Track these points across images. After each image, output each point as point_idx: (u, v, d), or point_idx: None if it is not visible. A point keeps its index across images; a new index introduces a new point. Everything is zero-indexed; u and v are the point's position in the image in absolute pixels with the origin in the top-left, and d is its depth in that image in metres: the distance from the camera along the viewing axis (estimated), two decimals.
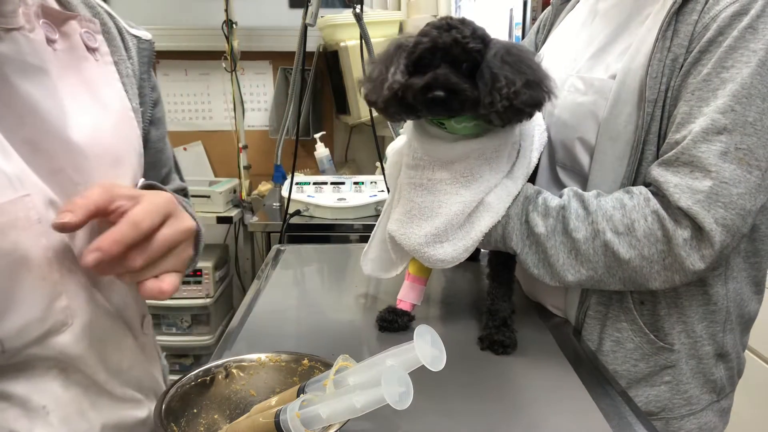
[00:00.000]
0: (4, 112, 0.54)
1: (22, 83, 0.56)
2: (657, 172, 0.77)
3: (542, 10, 1.94)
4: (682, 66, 0.78)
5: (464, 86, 0.73)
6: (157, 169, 0.82)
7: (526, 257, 0.83)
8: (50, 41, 0.61)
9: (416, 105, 0.76)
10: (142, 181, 0.69)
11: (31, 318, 0.56)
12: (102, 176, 0.62)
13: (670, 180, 0.75)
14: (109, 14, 0.72)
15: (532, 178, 0.91)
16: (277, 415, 0.58)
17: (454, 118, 0.79)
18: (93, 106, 0.64)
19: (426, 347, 0.55)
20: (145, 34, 0.77)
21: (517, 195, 0.83)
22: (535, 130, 0.89)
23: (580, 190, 0.83)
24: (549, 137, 0.94)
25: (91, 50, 0.66)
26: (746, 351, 0.96)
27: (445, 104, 0.74)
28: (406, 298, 0.95)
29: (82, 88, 0.63)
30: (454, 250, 0.82)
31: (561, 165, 0.93)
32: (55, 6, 0.64)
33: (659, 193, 0.77)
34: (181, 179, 0.89)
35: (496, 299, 0.90)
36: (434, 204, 0.82)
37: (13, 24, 0.56)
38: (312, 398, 0.58)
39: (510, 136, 0.83)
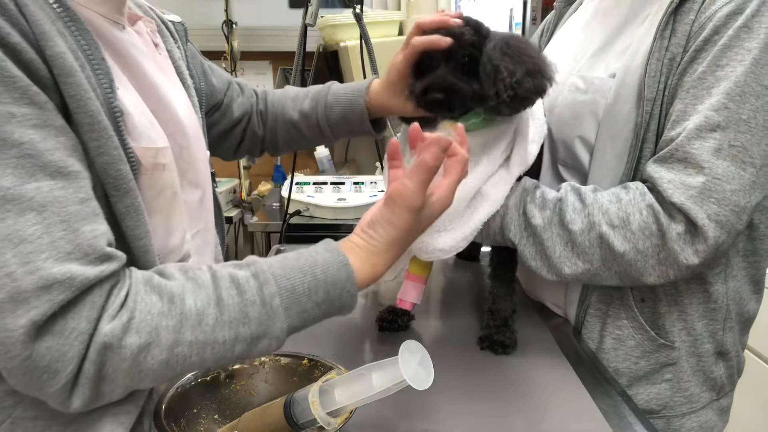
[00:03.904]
0: (138, 86, 0.65)
1: (144, 62, 0.67)
2: (652, 168, 0.78)
3: (542, 11, 1.94)
4: (679, 65, 0.79)
5: (461, 85, 0.75)
6: (225, 88, 1.01)
7: (524, 249, 0.83)
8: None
9: (423, 107, 0.78)
10: None
11: (177, 243, 0.68)
12: (194, 144, 0.74)
13: (664, 176, 0.76)
14: (151, 8, 0.82)
15: (536, 175, 0.91)
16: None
17: (460, 118, 0.79)
18: (173, 87, 0.75)
19: (412, 364, 0.55)
20: (177, 18, 0.88)
21: (516, 186, 0.84)
22: (532, 123, 0.88)
23: (577, 185, 0.83)
24: (551, 136, 0.94)
25: (155, 45, 0.76)
26: (746, 351, 0.96)
27: (446, 104, 0.76)
28: (406, 297, 0.94)
29: (161, 72, 0.74)
30: (452, 238, 0.82)
31: (562, 163, 0.94)
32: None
33: (654, 188, 0.77)
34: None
35: (497, 299, 0.89)
36: None
37: (124, 23, 0.68)
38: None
39: (508, 126, 0.83)
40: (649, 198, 0.76)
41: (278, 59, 2.48)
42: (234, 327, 0.54)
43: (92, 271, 0.48)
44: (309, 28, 1.89)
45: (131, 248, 0.56)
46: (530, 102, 0.78)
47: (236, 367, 0.71)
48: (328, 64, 2.36)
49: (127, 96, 0.61)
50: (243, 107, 1.01)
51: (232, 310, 0.54)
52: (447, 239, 0.82)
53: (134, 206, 0.56)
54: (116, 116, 0.56)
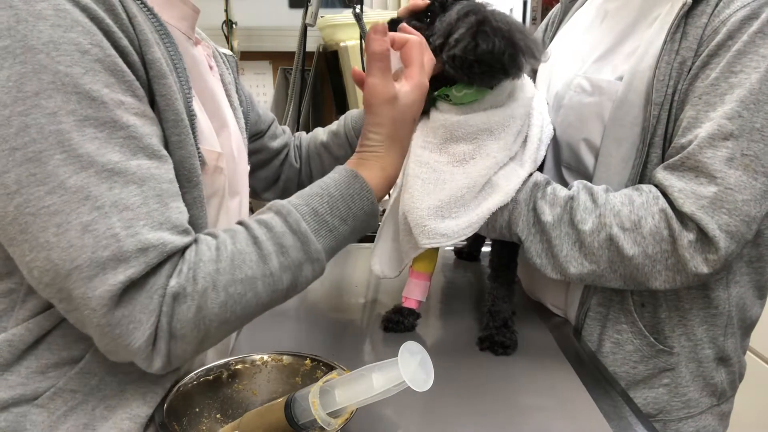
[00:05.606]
0: (200, 97, 0.72)
1: (207, 76, 0.76)
2: (662, 176, 0.77)
3: (542, 10, 1.94)
4: (690, 69, 0.77)
5: (397, 18, 0.81)
6: (270, 121, 1.07)
7: (530, 245, 0.82)
8: None
9: None
10: None
11: None
12: (238, 156, 0.81)
13: (675, 184, 0.75)
14: (207, 38, 0.90)
15: None
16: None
17: (453, 87, 0.81)
18: (224, 104, 0.82)
19: (411, 365, 0.54)
20: (229, 51, 0.97)
21: (527, 180, 0.82)
22: (541, 121, 0.88)
23: (589, 184, 0.82)
24: (555, 137, 0.93)
25: (210, 67, 0.82)
26: (747, 352, 0.96)
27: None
28: (411, 295, 0.94)
29: (216, 91, 0.81)
30: (456, 224, 0.81)
31: (566, 165, 0.93)
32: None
33: (664, 195, 0.77)
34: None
35: (497, 300, 0.89)
36: (439, 180, 0.82)
37: (194, 39, 0.76)
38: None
39: (516, 112, 0.83)
40: (662, 202, 0.75)
41: (278, 59, 2.47)
42: (275, 258, 0.60)
43: (180, 240, 0.56)
44: (309, 28, 1.89)
45: None
46: (483, 66, 0.75)
47: (238, 366, 0.71)
48: (328, 64, 2.36)
49: (196, 103, 0.69)
50: (283, 140, 1.08)
51: (268, 245, 0.60)
52: (451, 224, 0.81)
53: (199, 198, 0.65)
54: (192, 118, 0.64)
